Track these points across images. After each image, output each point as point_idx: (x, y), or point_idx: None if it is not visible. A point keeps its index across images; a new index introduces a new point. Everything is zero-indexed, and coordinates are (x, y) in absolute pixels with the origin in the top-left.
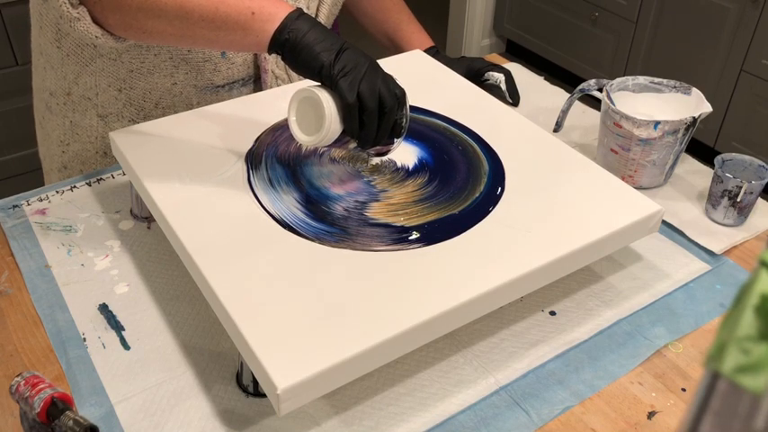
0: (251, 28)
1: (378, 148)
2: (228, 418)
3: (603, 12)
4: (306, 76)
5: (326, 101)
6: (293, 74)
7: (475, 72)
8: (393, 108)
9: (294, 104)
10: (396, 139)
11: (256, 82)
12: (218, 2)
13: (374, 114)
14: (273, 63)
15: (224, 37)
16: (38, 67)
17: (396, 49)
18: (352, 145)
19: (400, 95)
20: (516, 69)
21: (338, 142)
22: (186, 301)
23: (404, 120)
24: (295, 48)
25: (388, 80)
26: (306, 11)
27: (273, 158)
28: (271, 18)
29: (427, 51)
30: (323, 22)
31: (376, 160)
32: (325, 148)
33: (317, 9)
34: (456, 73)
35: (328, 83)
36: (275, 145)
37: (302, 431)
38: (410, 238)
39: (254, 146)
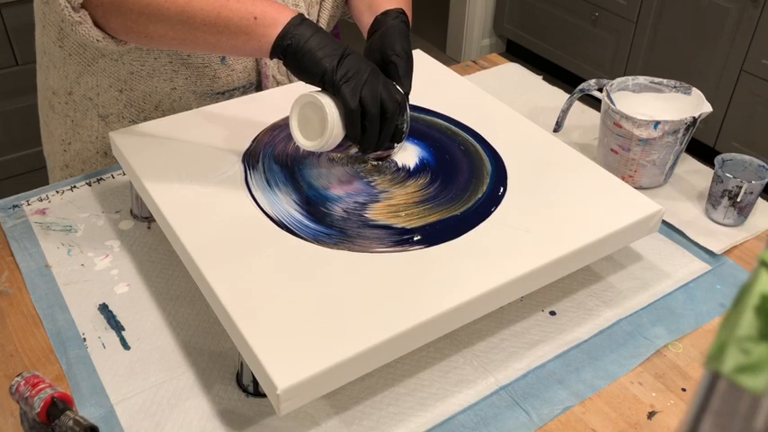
0: (253, 33)
1: (378, 153)
2: (228, 418)
3: (603, 12)
4: (308, 82)
5: (329, 106)
6: (295, 79)
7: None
8: (394, 113)
9: (296, 109)
10: (396, 144)
11: (257, 89)
12: (221, 6)
13: (376, 120)
14: (275, 68)
15: (226, 41)
16: (41, 66)
17: (371, 15)
18: (354, 150)
19: (401, 101)
20: (516, 69)
21: (339, 147)
22: (186, 301)
23: (404, 125)
24: (297, 53)
25: (389, 86)
26: (306, 16)
27: (271, 159)
28: (273, 23)
29: (389, 14)
30: (323, 27)
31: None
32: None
33: (318, 14)
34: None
35: (330, 88)
36: (273, 145)
37: (302, 431)
38: (411, 240)
39: (251, 146)
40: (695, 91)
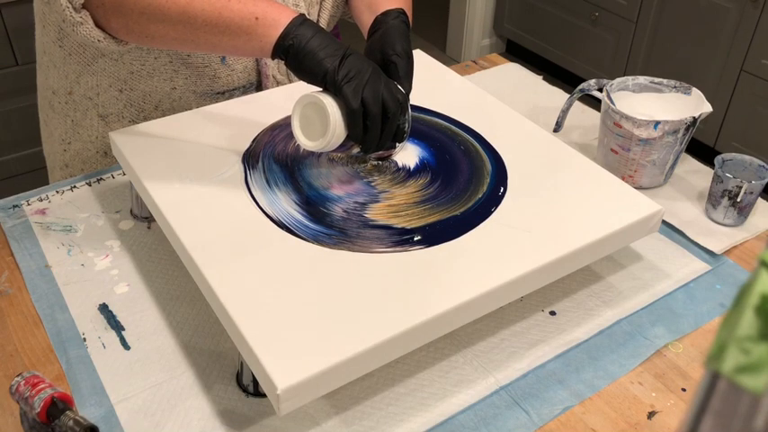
0: (254, 33)
1: (380, 152)
2: (228, 418)
3: (603, 12)
4: (309, 82)
5: (331, 106)
6: (295, 79)
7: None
8: (396, 113)
9: (298, 110)
10: (397, 144)
11: (258, 89)
12: (222, 7)
13: (378, 120)
14: (275, 68)
15: (227, 42)
16: (41, 66)
17: (371, 14)
18: (355, 150)
19: (403, 100)
20: (515, 69)
21: (341, 147)
22: (186, 301)
23: (406, 124)
24: (299, 53)
25: (391, 85)
26: (307, 17)
27: (271, 159)
28: (274, 23)
29: (390, 14)
30: (323, 27)
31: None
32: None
33: (318, 14)
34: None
35: (332, 89)
36: (273, 145)
37: (302, 431)
38: (411, 240)
39: (251, 146)
40: (695, 91)
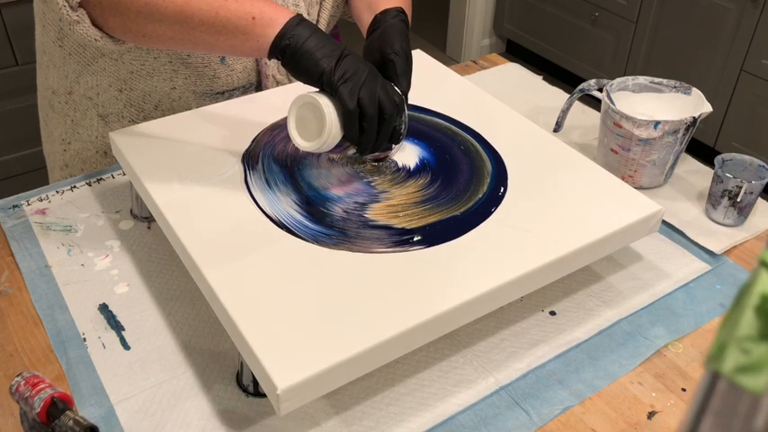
0: (251, 33)
1: (376, 153)
2: (228, 418)
3: (603, 12)
4: (305, 82)
5: (327, 107)
6: (295, 79)
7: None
8: (392, 114)
9: (294, 110)
10: (394, 145)
11: (257, 89)
12: (219, 6)
13: (374, 121)
14: (275, 68)
15: (224, 41)
16: (41, 66)
17: (371, 14)
18: (351, 151)
19: (399, 102)
20: (515, 69)
21: (337, 148)
22: (186, 301)
23: (402, 126)
24: (295, 53)
25: (388, 87)
26: (306, 17)
27: (270, 159)
28: (271, 23)
29: (389, 13)
30: (323, 27)
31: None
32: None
33: (318, 14)
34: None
35: (328, 89)
36: (272, 145)
37: (302, 431)
38: (411, 240)
39: (251, 146)
40: (695, 91)
